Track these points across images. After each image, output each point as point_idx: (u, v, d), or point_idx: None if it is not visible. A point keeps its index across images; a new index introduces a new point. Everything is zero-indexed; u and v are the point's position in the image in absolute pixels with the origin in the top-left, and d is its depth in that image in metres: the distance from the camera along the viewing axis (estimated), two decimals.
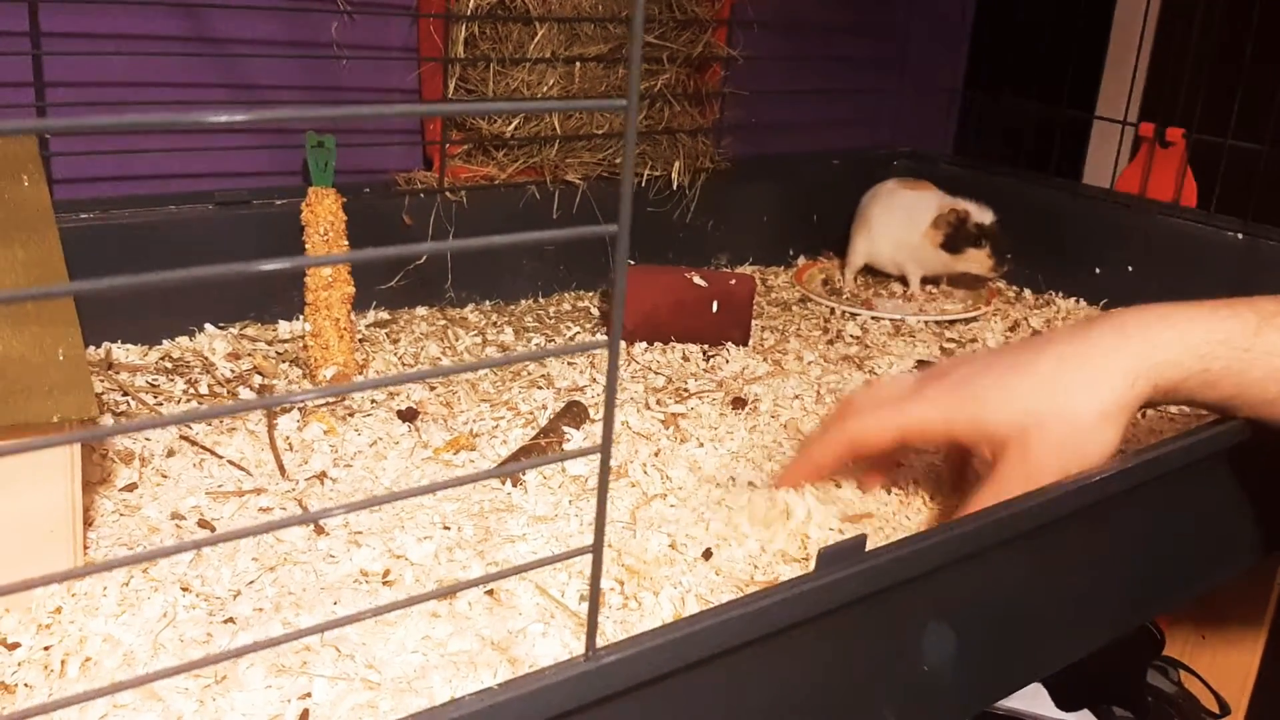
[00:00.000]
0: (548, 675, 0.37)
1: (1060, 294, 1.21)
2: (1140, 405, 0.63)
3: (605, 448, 0.36)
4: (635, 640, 0.40)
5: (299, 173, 1.06)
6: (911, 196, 1.21)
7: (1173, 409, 0.84)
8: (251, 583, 0.61)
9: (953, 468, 0.74)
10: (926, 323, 1.12)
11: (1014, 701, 1.06)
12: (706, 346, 1.01)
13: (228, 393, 0.85)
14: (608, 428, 0.36)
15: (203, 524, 0.67)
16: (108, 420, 0.77)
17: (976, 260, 1.15)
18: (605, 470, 0.37)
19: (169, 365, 0.88)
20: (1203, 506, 0.73)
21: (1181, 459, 0.64)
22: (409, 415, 0.82)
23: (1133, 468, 0.60)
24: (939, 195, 1.20)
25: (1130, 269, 1.17)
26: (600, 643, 0.39)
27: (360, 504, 0.36)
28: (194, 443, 0.76)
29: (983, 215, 1.15)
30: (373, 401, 0.85)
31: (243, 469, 0.74)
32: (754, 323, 1.05)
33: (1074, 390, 0.62)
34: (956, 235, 1.15)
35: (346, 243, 0.90)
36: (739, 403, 0.88)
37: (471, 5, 1.06)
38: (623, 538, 0.67)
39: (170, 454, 0.74)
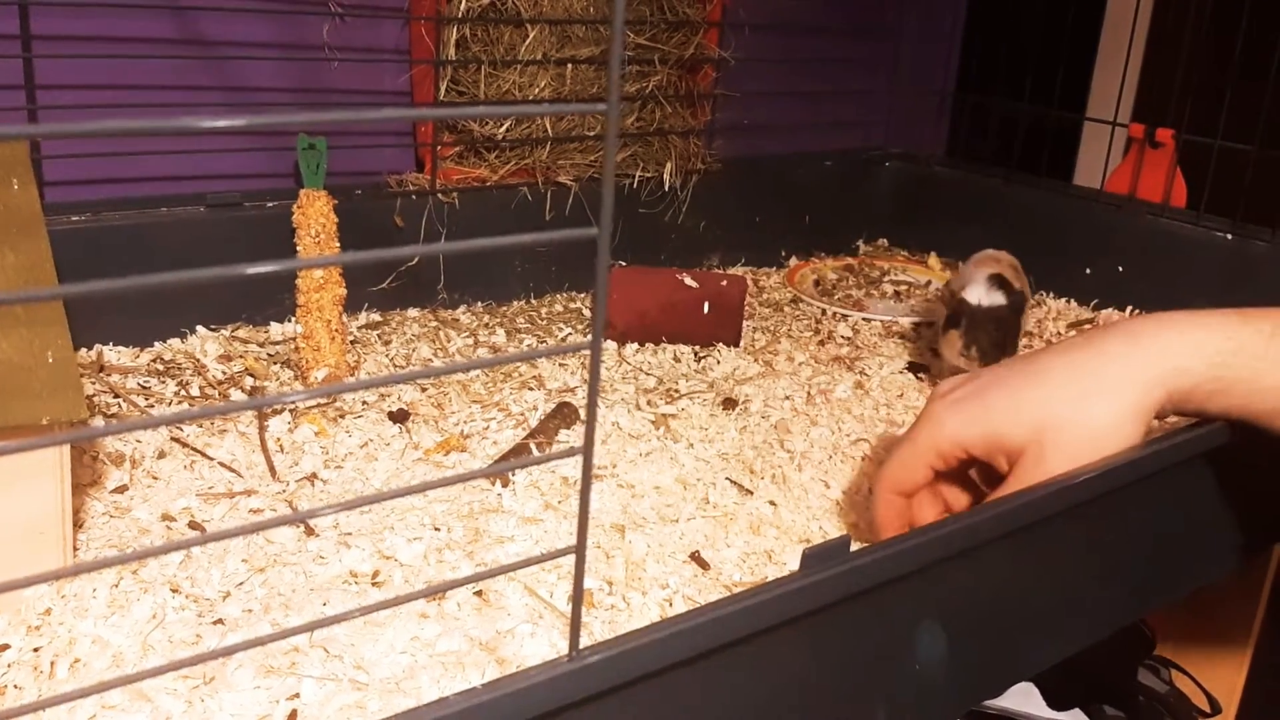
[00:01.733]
0: (532, 675, 0.38)
1: (1051, 294, 1.22)
2: (1154, 412, 0.63)
3: (588, 449, 0.37)
4: (619, 640, 0.40)
5: (291, 175, 1.06)
6: (966, 266, 0.99)
7: None
8: (241, 584, 0.61)
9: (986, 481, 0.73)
10: (918, 324, 1.12)
11: (1005, 701, 1.07)
12: (698, 347, 1.01)
13: (219, 394, 0.85)
14: (590, 429, 0.37)
15: (193, 525, 0.67)
16: (98, 422, 0.77)
17: (948, 342, 0.93)
18: (588, 471, 0.37)
19: (160, 367, 0.88)
20: (1192, 505, 0.73)
21: (1170, 458, 0.64)
22: (400, 417, 0.82)
23: (1120, 467, 0.61)
24: (991, 268, 0.95)
25: (1120, 269, 1.17)
26: (588, 642, 0.39)
27: (349, 504, 0.36)
28: (185, 444, 0.76)
29: (982, 295, 0.92)
30: (364, 403, 0.85)
31: (234, 471, 0.74)
32: (745, 324, 1.05)
33: (1087, 397, 0.62)
34: (951, 313, 0.94)
35: (338, 244, 0.90)
36: (730, 403, 0.88)
37: (463, 7, 1.06)
38: (611, 538, 0.67)
39: (161, 456, 0.75)
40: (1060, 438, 0.62)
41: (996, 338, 0.92)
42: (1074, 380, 0.63)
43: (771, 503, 0.73)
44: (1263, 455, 0.74)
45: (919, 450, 0.65)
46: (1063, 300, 1.21)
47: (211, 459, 0.75)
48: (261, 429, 0.78)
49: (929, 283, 1.27)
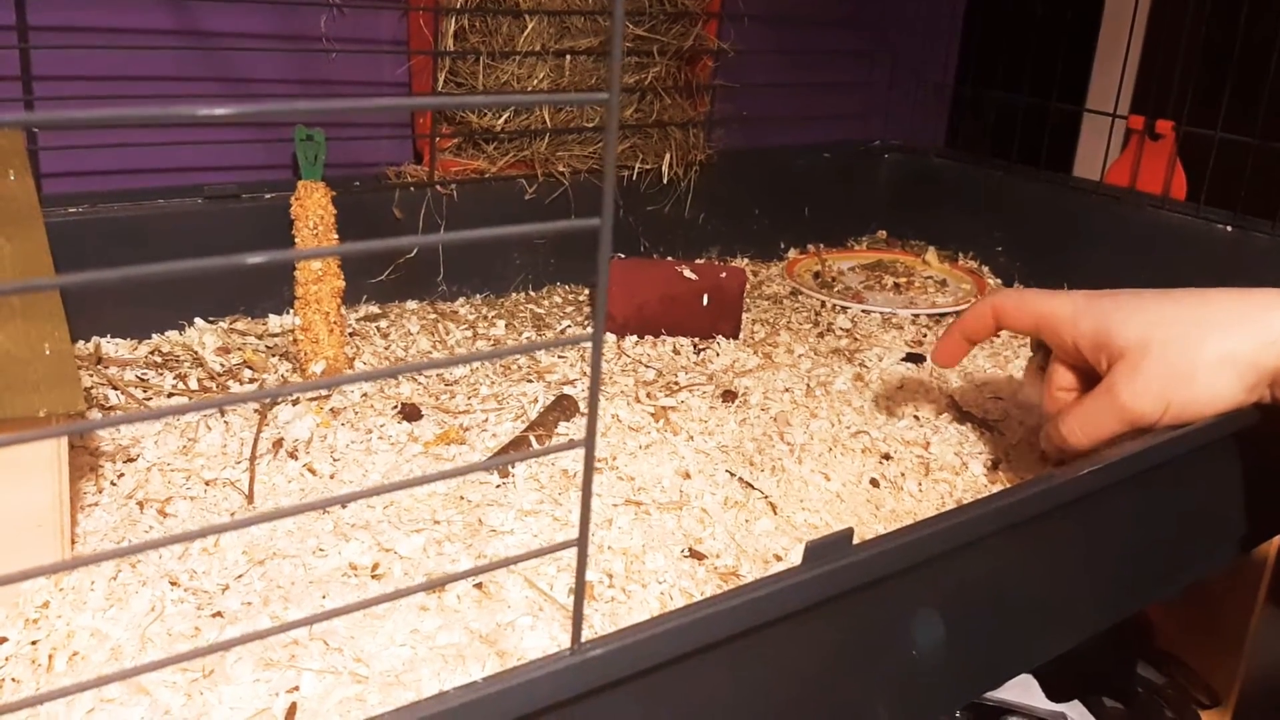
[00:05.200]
0: (533, 668, 0.37)
1: (1049, 285, 1.21)
2: (1273, 376, 0.62)
3: (590, 441, 0.36)
4: (620, 634, 0.40)
5: (289, 166, 1.06)
6: None
7: None
8: (240, 577, 0.61)
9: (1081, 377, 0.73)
10: (916, 316, 1.12)
11: (1005, 693, 1.07)
12: (697, 340, 1.01)
13: (217, 387, 0.85)
14: (592, 421, 0.37)
15: (192, 518, 0.67)
16: (96, 415, 0.77)
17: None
18: (590, 464, 0.37)
19: (158, 359, 0.88)
20: (1191, 498, 0.73)
21: (1169, 451, 0.64)
22: (404, 411, 0.82)
23: (1119, 461, 0.61)
24: None
25: (1120, 261, 1.17)
26: (588, 635, 0.39)
27: (346, 497, 0.36)
28: (183, 436, 0.76)
29: None
30: (363, 395, 0.85)
31: (233, 463, 0.73)
32: (744, 316, 1.05)
33: (1205, 326, 0.62)
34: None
35: (336, 236, 0.89)
36: (729, 396, 0.88)
37: None
38: (611, 531, 0.67)
39: (159, 448, 0.74)
40: (1162, 353, 0.62)
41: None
42: (1202, 307, 0.63)
43: (771, 496, 0.73)
44: (1264, 445, 0.74)
45: (1040, 306, 0.69)
46: None
47: (209, 453, 0.75)
48: (260, 424, 0.78)
49: (944, 280, 1.26)
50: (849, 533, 0.48)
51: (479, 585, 0.60)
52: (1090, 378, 0.69)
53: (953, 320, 0.76)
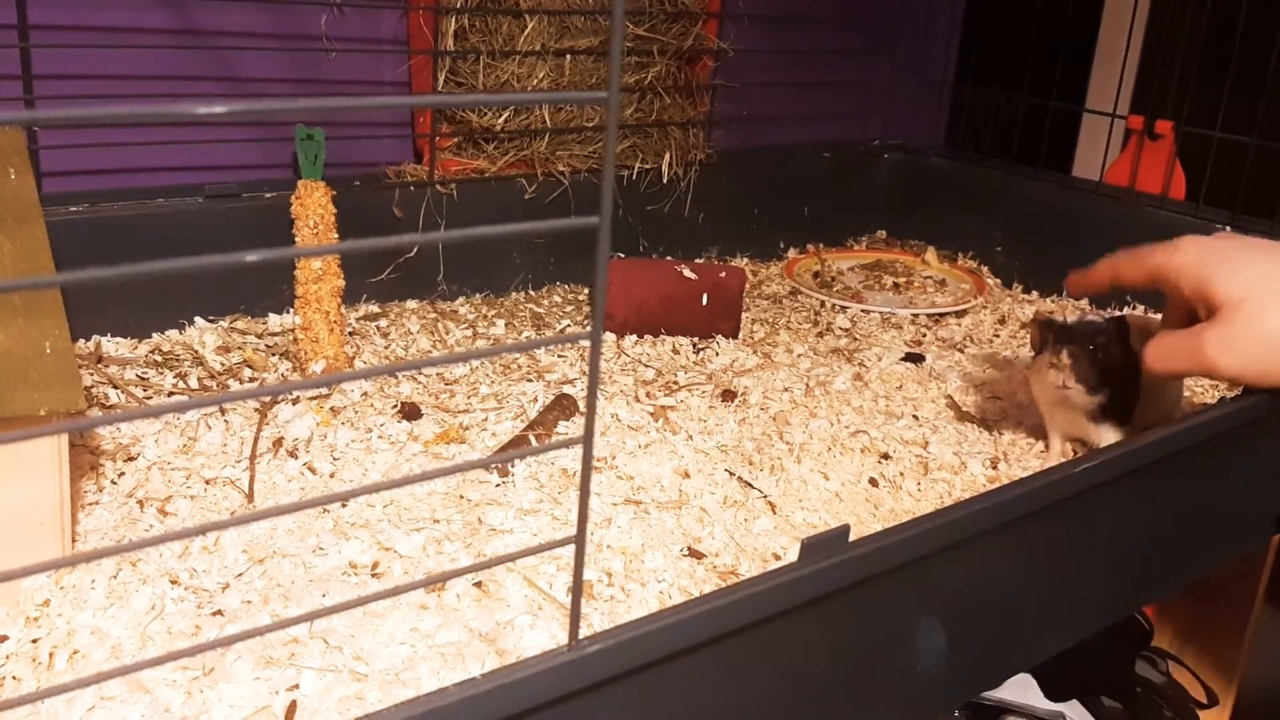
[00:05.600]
0: (531, 665, 0.38)
1: (1049, 284, 1.22)
2: None
3: (588, 440, 0.37)
4: (617, 631, 0.40)
5: (289, 166, 1.06)
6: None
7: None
8: (240, 575, 0.61)
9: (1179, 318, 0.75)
10: (915, 315, 1.12)
11: (1004, 692, 1.07)
12: (696, 339, 1.01)
13: (217, 385, 0.85)
14: (590, 420, 0.37)
15: (192, 516, 0.67)
16: (96, 413, 0.77)
17: (1036, 369, 0.79)
18: (588, 462, 0.37)
19: (159, 358, 0.88)
20: (1189, 496, 0.73)
21: (1166, 448, 0.64)
22: (404, 410, 0.82)
23: (1116, 458, 0.61)
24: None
25: None
26: (587, 633, 0.39)
27: (346, 494, 0.36)
28: (184, 435, 0.76)
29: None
30: (364, 394, 0.85)
31: (233, 462, 0.74)
32: (744, 315, 1.05)
33: None
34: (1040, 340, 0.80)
35: (336, 235, 0.90)
36: (729, 395, 0.88)
37: None
38: (612, 530, 0.67)
39: (159, 446, 0.74)
40: (1261, 310, 0.64)
41: (1096, 359, 0.75)
42: None
43: (770, 495, 0.73)
44: (1261, 444, 0.74)
45: (1150, 261, 0.71)
46: (1059, 292, 1.21)
47: (209, 451, 0.75)
48: (260, 423, 0.78)
49: (944, 280, 1.26)
50: (845, 529, 0.48)
51: (478, 584, 0.61)
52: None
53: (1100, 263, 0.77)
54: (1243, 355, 0.64)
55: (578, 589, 0.39)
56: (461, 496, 0.70)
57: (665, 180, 1.19)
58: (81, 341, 0.89)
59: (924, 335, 1.07)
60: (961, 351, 1.03)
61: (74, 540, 0.62)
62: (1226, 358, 0.65)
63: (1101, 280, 0.76)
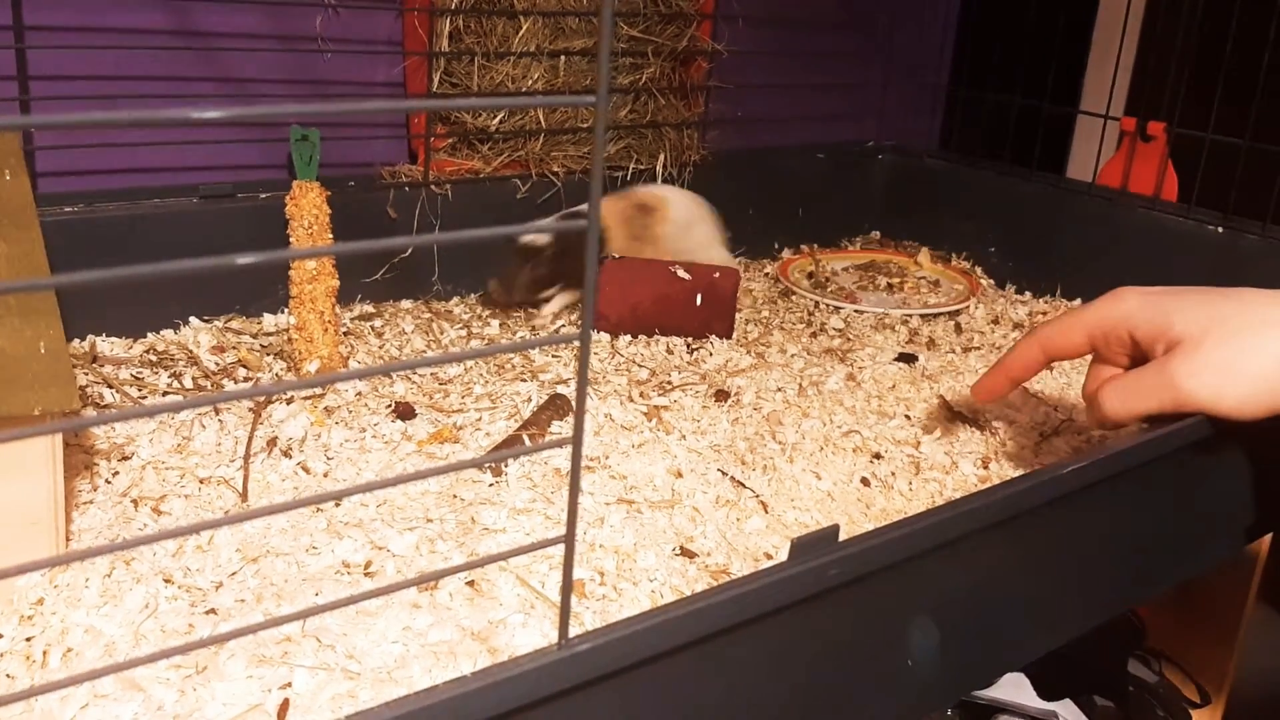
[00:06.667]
0: (521, 664, 0.38)
1: (1042, 285, 1.22)
2: None
3: (577, 439, 0.37)
4: (608, 629, 0.40)
5: (283, 166, 1.06)
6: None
7: None
8: (234, 574, 0.61)
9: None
10: (909, 316, 1.13)
11: (996, 691, 1.07)
12: (690, 339, 1.02)
13: (212, 385, 0.85)
14: (579, 419, 0.37)
15: (186, 516, 0.67)
16: (91, 413, 0.77)
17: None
18: (578, 461, 0.37)
19: (153, 358, 0.88)
20: (1181, 496, 0.73)
21: (1157, 449, 0.64)
22: (398, 410, 0.82)
23: (1107, 458, 0.61)
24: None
25: (1112, 261, 1.17)
26: (578, 632, 0.40)
27: (339, 493, 0.36)
28: (178, 435, 0.76)
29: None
30: (358, 394, 0.85)
31: (227, 461, 0.74)
32: (737, 316, 1.05)
33: (1273, 326, 0.62)
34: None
35: (331, 236, 0.90)
36: (722, 395, 0.89)
37: None
38: (604, 529, 0.68)
39: (153, 446, 0.75)
40: (1223, 342, 0.63)
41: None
42: (1268, 306, 0.63)
43: (762, 494, 0.74)
44: (1252, 444, 0.74)
45: (1086, 319, 0.69)
46: (1051, 293, 1.21)
47: (203, 451, 0.75)
48: (255, 423, 0.78)
49: (937, 281, 1.27)
50: (835, 529, 0.48)
51: (471, 583, 0.61)
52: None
53: (996, 361, 0.75)
54: (1213, 381, 0.62)
55: (567, 587, 0.39)
56: (455, 496, 0.71)
57: (660, 181, 1.19)
58: (76, 341, 0.89)
59: (917, 336, 1.08)
60: (954, 352, 1.03)
61: (68, 539, 0.62)
62: (1196, 381, 0.63)
63: (1007, 386, 0.74)
